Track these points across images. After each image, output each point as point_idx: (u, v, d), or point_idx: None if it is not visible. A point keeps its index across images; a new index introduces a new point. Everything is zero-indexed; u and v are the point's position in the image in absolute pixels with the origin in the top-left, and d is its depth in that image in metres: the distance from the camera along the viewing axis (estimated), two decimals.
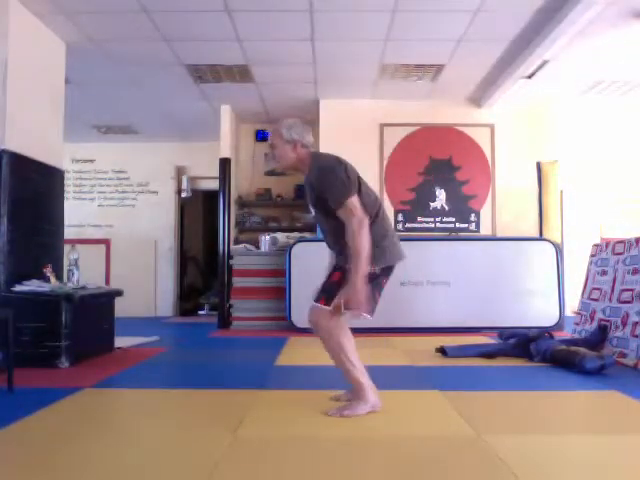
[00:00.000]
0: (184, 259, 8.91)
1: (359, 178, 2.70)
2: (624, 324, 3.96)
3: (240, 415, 2.55)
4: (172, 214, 8.44)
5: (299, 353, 4.47)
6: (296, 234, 6.51)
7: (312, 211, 2.80)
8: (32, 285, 3.92)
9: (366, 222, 2.52)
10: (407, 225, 6.57)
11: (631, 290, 4.02)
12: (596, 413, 2.76)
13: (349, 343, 2.64)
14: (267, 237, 6.35)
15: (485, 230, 6.56)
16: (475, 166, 6.59)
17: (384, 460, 1.99)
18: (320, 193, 2.60)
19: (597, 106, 6.63)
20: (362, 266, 2.48)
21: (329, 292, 2.58)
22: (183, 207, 8.78)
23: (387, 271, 2.69)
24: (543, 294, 5.77)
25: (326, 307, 2.54)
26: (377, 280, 2.63)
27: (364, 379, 2.61)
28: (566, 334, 5.15)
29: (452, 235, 6.45)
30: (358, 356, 2.66)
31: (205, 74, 5.65)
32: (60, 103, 4.80)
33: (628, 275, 4.12)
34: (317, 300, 2.61)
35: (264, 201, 7.51)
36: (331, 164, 2.65)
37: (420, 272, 5.81)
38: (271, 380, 3.42)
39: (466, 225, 6.57)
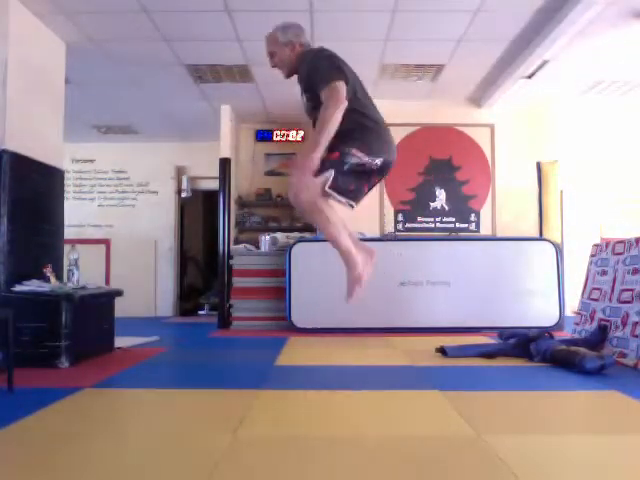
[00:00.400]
0: (184, 259, 8.91)
1: (354, 75, 2.74)
2: (624, 324, 3.96)
3: (240, 415, 2.55)
4: (172, 214, 8.44)
5: (299, 353, 4.47)
6: (296, 234, 6.51)
7: (305, 107, 2.81)
8: (32, 285, 3.92)
9: (343, 106, 2.53)
10: (407, 225, 6.58)
11: (631, 290, 4.01)
12: (596, 413, 2.76)
13: (333, 212, 2.66)
14: (267, 237, 6.35)
15: (485, 230, 6.56)
16: (475, 166, 6.59)
17: (384, 460, 1.99)
18: (309, 80, 2.65)
19: (597, 106, 6.63)
20: (322, 140, 2.51)
21: (322, 168, 2.60)
22: (183, 207, 8.79)
23: (382, 170, 2.70)
24: (543, 294, 5.77)
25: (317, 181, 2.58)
26: (370, 172, 2.67)
27: (348, 245, 2.67)
28: (566, 334, 5.14)
29: (452, 235, 6.45)
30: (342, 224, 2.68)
31: (205, 74, 5.65)
32: (60, 103, 4.80)
33: (628, 275, 4.12)
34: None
35: (264, 201, 7.51)
36: (320, 52, 2.71)
37: (420, 272, 5.81)
38: (271, 380, 3.41)
39: (466, 225, 6.57)
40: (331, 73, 2.58)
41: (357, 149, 2.61)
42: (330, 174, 2.56)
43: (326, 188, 2.56)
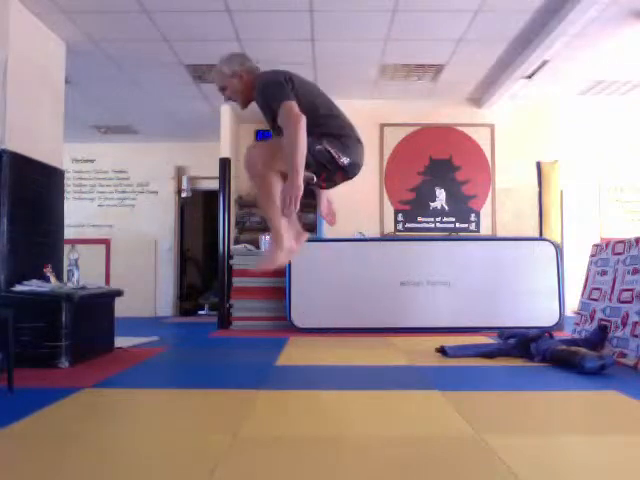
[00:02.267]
0: (184, 259, 8.91)
1: (309, 87, 2.75)
2: (624, 324, 3.96)
3: (240, 415, 2.55)
4: (172, 214, 8.44)
5: (299, 353, 4.47)
6: None
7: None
8: (32, 285, 3.92)
9: (303, 120, 2.52)
10: (407, 225, 6.58)
11: (631, 290, 4.01)
12: (596, 413, 2.75)
13: (278, 188, 2.65)
14: (267, 237, 6.34)
15: (485, 230, 6.56)
16: (475, 166, 6.59)
17: (384, 460, 1.99)
18: (270, 108, 2.64)
19: (597, 106, 6.63)
20: (298, 162, 2.51)
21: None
22: (183, 207, 8.78)
23: (348, 171, 2.73)
24: (543, 294, 5.77)
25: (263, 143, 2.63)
26: (334, 168, 2.69)
27: (281, 226, 2.68)
28: (566, 334, 5.15)
29: (452, 235, 6.45)
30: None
31: (205, 74, 5.65)
32: (60, 103, 4.80)
33: (628, 275, 4.12)
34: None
35: None
36: (266, 77, 2.69)
37: (420, 272, 5.81)
38: (271, 380, 3.41)
39: (466, 225, 6.57)
40: (280, 95, 2.59)
41: (328, 144, 2.64)
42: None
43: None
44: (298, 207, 2.56)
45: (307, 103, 2.64)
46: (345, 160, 2.66)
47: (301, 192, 2.51)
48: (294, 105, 2.54)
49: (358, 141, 2.81)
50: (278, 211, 2.60)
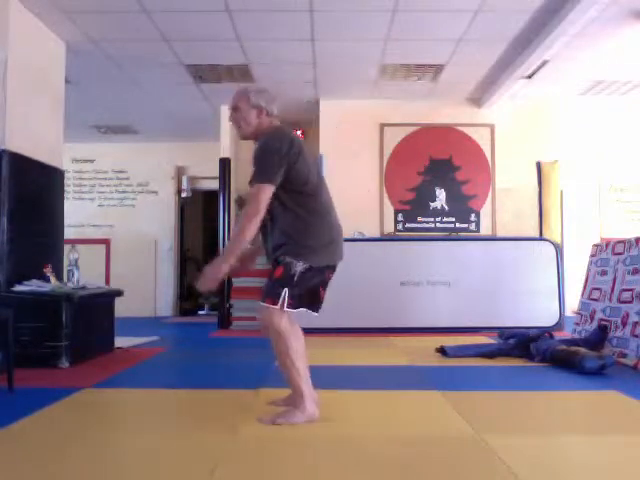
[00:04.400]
0: (184, 259, 8.91)
1: (307, 165, 2.52)
2: (624, 324, 3.96)
3: (240, 415, 2.55)
4: (172, 214, 8.44)
5: None
6: None
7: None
8: (32, 285, 3.92)
9: (261, 214, 2.38)
10: (407, 225, 6.57)
11: (631, 290, 4.01)
12: (596, 413, 2.76)
13: (297, 344, 2.49)
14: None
15: (485, 230, 6.56)
16: (475, 166, 6.59)
17: (384, 460, 1.99)
18: (253, 163, 2.48)
19: (597, 106, 6.63)
20: (233, 250, 2.41)
21: (273, 290, 2.43)
22: (183, 207, 8.78)
23: (333, 268, 2.55)
24: (543, 294, 5.77)
25: (274, 306, 2.40)
26: (315, 275, 2.47)
27: (306, 387, 2.47)
28: (566, 334, 5.15)
29: (452, 235, 6.45)
30: (306, 361, 2.53)
31: (205, 74, 5.65)
32: (60, 103, 4.80)
33: (628, 275, 4.12)
34: (263, 301, 2.45)
35: None
36: (271, 140, 2.49)
37: (420, 272, 5.81)
38: (271, 380, 3.41)
39: (466, 225, 6.57)
40: (265, 171, 2.41)
41: (300, 256, 2.42)
42: (284, 294, 2.39)
43: (285, 309, 2.40)
44: (214, 287, 2.42)
45: (298, 176, 2.46)
46: (323, 264, 2.47)
47: (221, 276, 2.38)
48: (266, 193, 2.39)
49: (335, 235, 2.56)
50: (300, 370, 2.46)
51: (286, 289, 2.41)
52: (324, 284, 2.56)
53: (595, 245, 4.94)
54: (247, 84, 2.68)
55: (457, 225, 6.57)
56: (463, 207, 6.58)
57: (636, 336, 3.79)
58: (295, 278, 2.42)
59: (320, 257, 2.48)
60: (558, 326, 5.63)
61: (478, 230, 6.56)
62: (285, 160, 2.44)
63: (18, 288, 3.86)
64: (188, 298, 8.76)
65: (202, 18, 4.44)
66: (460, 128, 6.62)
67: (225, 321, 6.33)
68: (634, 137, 6.74)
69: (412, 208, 6.58)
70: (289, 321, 2.47)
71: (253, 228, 2.40)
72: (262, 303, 2.45)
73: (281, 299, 2.39)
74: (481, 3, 4.22)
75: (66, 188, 5.42)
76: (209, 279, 2.39)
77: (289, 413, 2.45)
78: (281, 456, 2.03)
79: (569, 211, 6.58)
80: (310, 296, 2.51)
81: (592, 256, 4.85)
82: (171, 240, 8.41)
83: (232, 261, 2.41)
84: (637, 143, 6.74)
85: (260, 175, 2.42)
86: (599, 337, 4.13)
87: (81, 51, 4.96)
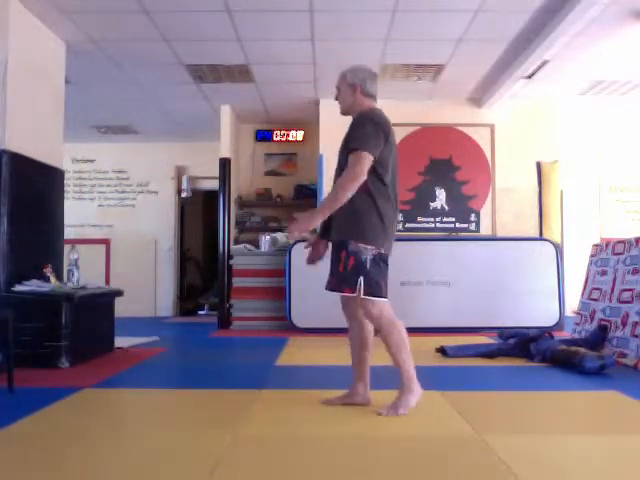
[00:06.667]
0: (184, 259, 8.91)
1: (394, 154, 2.68)
2: (624, 324, 3.96)
3: (240, 415, 2.55)
4: (172, 214, 8.44)
5: (299, 353, 4.47)
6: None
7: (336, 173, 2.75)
8: (32, 285, 3.92)
9: (361, 180, 2.48)
10: (407, 225, 6.57)
11: (631, 290, 4.02)
12: (596, 413, 2.76)
13: (405, 333, 2.67)
14: (267, 237, 6.34)
15: (485, 230, 6.56)
16: (475, 166, 6.59)
17: (384, 460, 1.99)
18: (347, 136, 2.60)
19: (597, 106, 6.63)
20: (330, 206, 2.49)
21: (350, 278, 2.52)
22: (183, 207, 8.79)
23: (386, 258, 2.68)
24: (543, 294, 5.77)
25: (372, 298, 2.53)
26: (383, 262, 2.60)
27: (413, 371, 2.61)
28: (566, 334, 5.15)
29: (452, 235, 6.45)
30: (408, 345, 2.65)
31: (205, 74, 5.65)
32: (60, 103, 4.80)
33: (628, 275, 4.12)
34: (340, 290, 2.56)
35: (264, 201, 7.51)
36: (376, 117, 2.64)
37: (420, 272, 5.81)
38: (271, 380, 3.42)
39: (466, 225, 6.57)
40: (366, 142, 2.51)
41: (367, 241, 2.54)
42: (360, 282, 2.50)
43: (362, 296, 2.50)
44: (296, 235, 2.53)
45: (382, 164, 2.57)
46: (384, 249, 2.59)
47: (309, 229, 2.48)
48: (368, 159, 2.49)
49: (394, 225, 2.73)
50: (409, 357, 2.59)
51: (361, 277, 2.51)
52: (385, 273, 2.66)
53: (595, 245, 4.94)
54: (354, 65, 2.82)
55: (457, 225, 6.57)
56: (463, 207, 6.58)
57: (636, 336, 3.79)
58: (367, 265, 2.53)
59: (386, 246, 2.63)
60: (558, 326, 5.63)
61: (478, 230, 6.56)
62: (382, 139, 2.58)
63: (18, 288, 3.86)
64: (188, 298, 8.76)
65: (202, 18, 4.44)
66: (460, 128, 6.61)
67: (225, 321, 6.33)
68: (634, 137, 6.75)
69: (412, 208, 6.58)
70: (390, 310, 2.63)
71: (351, 191, 2.48)
72: (341, 293, 2.58)
73: (359, 286, 2.51)
74: (481, 3, 4.22)
75: (66, 188, 5.42)
76: (300, 227, 2.47)
77: (403, 400, 2.56)
78: (281, 456, 2.03)
79: (569, 211, 6.58)
80: (386, 282, 2.62)
81: (592, 256, 4.85)
82: (171, 240, 8.41)
83: (325, 216, 2.51)
84: (637, 143, 6.74)
85: (362, 143, 2.51)
86: (599, 337, 4.14)
87: (81, 51, 4.96)
